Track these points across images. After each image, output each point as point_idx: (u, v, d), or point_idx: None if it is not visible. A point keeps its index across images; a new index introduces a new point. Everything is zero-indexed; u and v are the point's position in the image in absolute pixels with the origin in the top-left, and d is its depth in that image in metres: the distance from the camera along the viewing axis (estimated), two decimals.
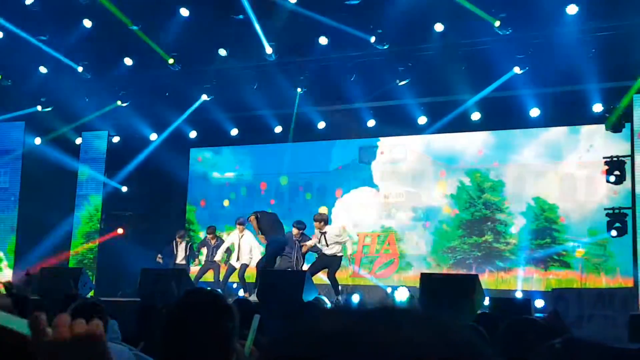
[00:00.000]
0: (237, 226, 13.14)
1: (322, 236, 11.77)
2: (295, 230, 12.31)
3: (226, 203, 16.12)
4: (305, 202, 15.45)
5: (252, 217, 12.08)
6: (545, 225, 13.60)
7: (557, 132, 13.78)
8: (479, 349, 0.69)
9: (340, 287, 11.88)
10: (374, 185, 15.13)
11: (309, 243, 12.13)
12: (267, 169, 15.95)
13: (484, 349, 0.70)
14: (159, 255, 14.21)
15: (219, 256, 13.32)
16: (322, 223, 11.84)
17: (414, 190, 14.74)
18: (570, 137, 13.71)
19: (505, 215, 14.04)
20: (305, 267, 12.25)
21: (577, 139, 13.63)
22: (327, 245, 11.75)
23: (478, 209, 14.29)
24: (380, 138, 15.12)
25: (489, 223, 14.12)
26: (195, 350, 1.96)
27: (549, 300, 11.66)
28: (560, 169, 13.68)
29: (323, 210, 14.38)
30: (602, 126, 12.91)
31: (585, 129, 13.47)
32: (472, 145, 14.44)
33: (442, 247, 14.39)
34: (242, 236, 13.05)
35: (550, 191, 13.62)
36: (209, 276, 13.65)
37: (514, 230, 13.88)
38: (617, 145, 12.87)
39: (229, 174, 16.46)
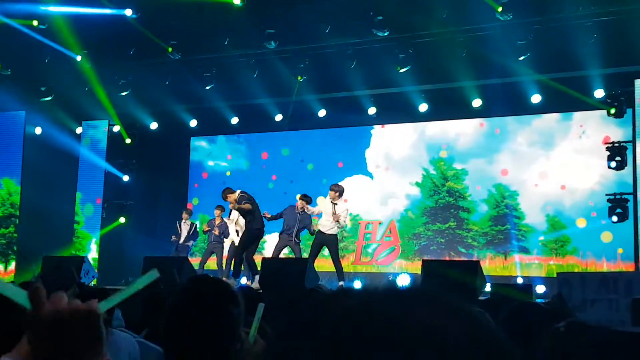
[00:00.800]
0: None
1: (333, 207, 11.59)
2: (300, 203, 12.03)
3: (228, 173, 16.25)
4: (307, 172, 15.50)
5: (238, 192, 11.41)
6: (506, 212, 13.85)
7: (550, 119, 13.85)
8: (493, 331, 0.69)
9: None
10: (367, 174, 15.21)
11: (316, 209, 11.91)
12: (267, 147, 16.05)
13: (497, 332, 0.70)
14: (173, 236, 14.16)
15: (232, 231, 13.10)
16: (338, 194, 11.70)
17: (406, 178, 14.83)
18: (562, 123, 13.79)
19: (467, 202, 14.35)
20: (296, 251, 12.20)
21: (570, 125, 13.71)
22: (334, 213, 11.44)
23: (442, 197, 14.51)
24: (375, 126, 15.17)
25: (452, 210, 14.29)
26: (200, 337, 1.97)
27: (555, 284, 11.74)
28: (553, 155, 13.76)
29: None
30: (595, 112, 13.05)
31: (578, 115, 13.57)
32: (466, 132, 14.51)
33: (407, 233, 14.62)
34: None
35: (539, 177, 13.74)
36: (212, 264, 13.63)
37: (475, 217, 14.08)
38: (610, 132, 13.09)
39: (225, 163, 16.54)
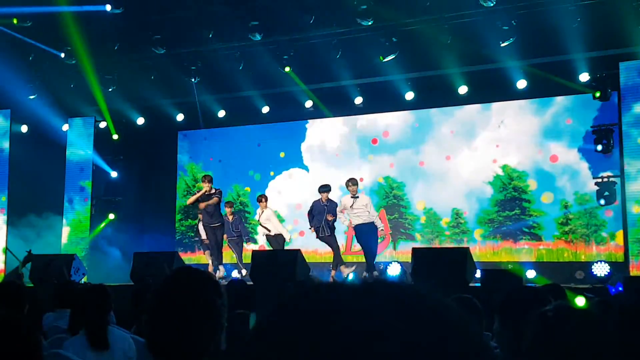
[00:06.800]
0: (260, 203, 13.10)
1: (354, 200, 11.56)
2: (324, 195, 11.94)
3: None
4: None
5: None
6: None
7: (471, 110, 14.14)
8: (463, 331, 0.69)
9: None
10: (304, 167, 15.49)
11: (339, 207, 11.78)
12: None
13: (468, 331, 0.69)
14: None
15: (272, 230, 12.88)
16: (357, 187, 11.69)
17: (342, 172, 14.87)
18: (482, 113, 14.11)
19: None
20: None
21: (489, 115, 14.04)
22: (353, 209, 11.48)
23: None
24: (310, 120, 15.40)
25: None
26: (181, 327, 1.96)
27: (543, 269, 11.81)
28: (474, 145, 14.06)
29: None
30: (514, 102, 13.64)
31: (497, 105, 13.94)
32: (400, 124, 14.78)
33: None
34: (262, 212, 12.99)
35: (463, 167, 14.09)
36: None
37: None
38: (528, 121, 13.60)
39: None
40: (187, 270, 2.12)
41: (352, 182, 11.70)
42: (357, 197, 11.57)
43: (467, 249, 9.76)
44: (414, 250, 9.89)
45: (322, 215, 11.85)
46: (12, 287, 4.50)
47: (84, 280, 10.54)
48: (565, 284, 9.37)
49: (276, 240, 12.81)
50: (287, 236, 12.97)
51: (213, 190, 12.23)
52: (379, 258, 14.41)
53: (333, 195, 12.33)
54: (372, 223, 11.52)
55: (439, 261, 9.26)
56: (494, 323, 3.05)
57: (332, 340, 0.64)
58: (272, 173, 15.67)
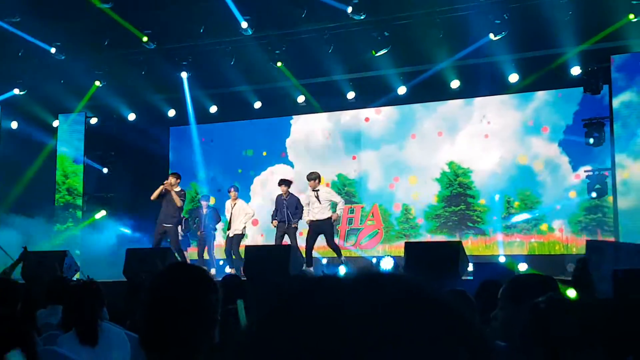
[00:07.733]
0: (231, 194, 12.83)
1: (316, 194, 11.55)
2: (283, 188, 11.91)
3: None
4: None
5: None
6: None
7: (452, 105, 14.24)
8: (461, 320, 0.68)
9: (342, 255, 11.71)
10: (289, 163, 15.55)
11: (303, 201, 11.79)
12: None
13: (467, 320, 0.69)
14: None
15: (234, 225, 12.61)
16: (317, 181, 11.61)
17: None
18: (465, 108, 14.17)
19: None
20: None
21: (471, 110, 14.11)
22: (321, 203, 11.48)
23: None
24: (292, 115, 15.45)
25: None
26: (177, 322, 1.96)
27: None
28: (457, 139, 14.16)
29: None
30: (495, 97, 13.76)
31: (478, 100, 14.01)
32: (384, 120, 14.86)
33: None
34: (234, 205, 12.78)
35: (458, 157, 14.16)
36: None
37: None
38: (510, 116, 13.70)
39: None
40: (180, 266, 2.12)
41: (309, 177, 11.69)
42: (318, 190, 11.57)
43: (460, 242, 9.78)
44: (407, 244, 9.90)
45: (283, 210, 11.83)
46: (5, 284, 4.48)
47: (76, 276, 10.50)
48: (556, 277, 9.43)
49: (231, 241, 12.55)
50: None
51: (179, 189, 12.15)
52: (371, 252, 14.47)
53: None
54: (328, 219, 11.51)
55: (432, 255, 9.28)
56: (486, 316, 3.06)
57: (338, 335, 0.63)
58: (264, 153, 15.71)
